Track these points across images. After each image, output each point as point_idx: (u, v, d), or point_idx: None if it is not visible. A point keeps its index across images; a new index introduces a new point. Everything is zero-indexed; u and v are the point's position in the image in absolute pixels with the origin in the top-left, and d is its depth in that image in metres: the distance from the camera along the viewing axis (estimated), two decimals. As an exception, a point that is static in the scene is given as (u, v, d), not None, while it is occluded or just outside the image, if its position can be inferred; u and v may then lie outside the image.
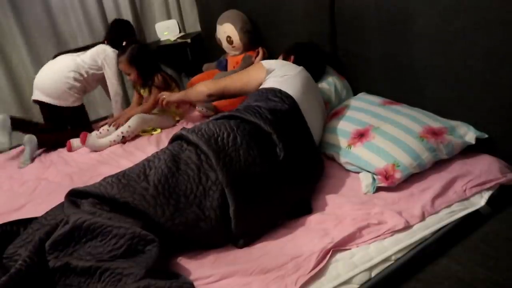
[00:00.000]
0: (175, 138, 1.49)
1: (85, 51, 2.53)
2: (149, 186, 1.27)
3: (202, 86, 1.87)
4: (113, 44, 2.55)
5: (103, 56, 2.47)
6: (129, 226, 1.17)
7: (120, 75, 2.62)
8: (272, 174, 1.36)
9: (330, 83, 1.98)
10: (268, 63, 1.78)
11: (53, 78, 2.40)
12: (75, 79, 2.42)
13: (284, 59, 1.96)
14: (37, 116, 2.88)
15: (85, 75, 2.46)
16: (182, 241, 1.28)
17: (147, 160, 1.40)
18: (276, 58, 1.98)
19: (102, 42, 2.58)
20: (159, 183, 1.28)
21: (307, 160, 1.52)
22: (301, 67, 1.77)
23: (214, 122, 1.46)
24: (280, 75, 1.71)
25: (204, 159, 1.33)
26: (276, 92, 1.61)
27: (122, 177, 1.32)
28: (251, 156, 1.34)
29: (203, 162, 1.32)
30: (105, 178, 1.35)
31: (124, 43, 2.53)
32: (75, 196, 1.33)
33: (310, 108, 1.66)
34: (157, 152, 1.43)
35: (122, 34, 2.59)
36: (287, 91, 1.61)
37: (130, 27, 2.70)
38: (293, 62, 1.88)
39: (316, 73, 1.94)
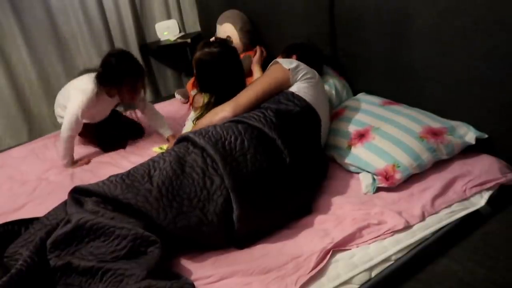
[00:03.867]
0: (181, 140, 1.48)
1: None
2: (152, 188, 1.27)
3: (222, 112, 1.57)
4: None
5: None
6: (131, 227, 1.17)
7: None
8: (278, 179, 1.35)
9: (331, 85, 1.98)
10: (289, 62, 1.64)
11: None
12: None
13: (285, 58, 1.91)
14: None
15: None
16: (184, 243, 1.28)
17: (152, 160, 1.39)
18: (275, 58, 1.97)
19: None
20: (163, 185, 1.27)
21: (313, 164, 1.50)
22: (316, 72, 1.70)
23: (221, 125, 1.45)
24: (305, 79, 1.62)
25: (209, 163, 1.32)
26: (288, 95, 1.56)
27: (126, 177, 1.31)
28: (258, 161, 1.33)
29: (209, 166, 1.31)
30: (109, 177, 1.35)
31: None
32: (78, 193, 1.33)
33: (324, 114, 1.64)
34: (162, 153, 1.42)
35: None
36: (307, 97, 1.56)
37: None
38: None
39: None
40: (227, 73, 1.73)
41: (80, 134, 2.18)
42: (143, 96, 2.18)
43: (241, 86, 1.76)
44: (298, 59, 1.86)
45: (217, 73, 1.72)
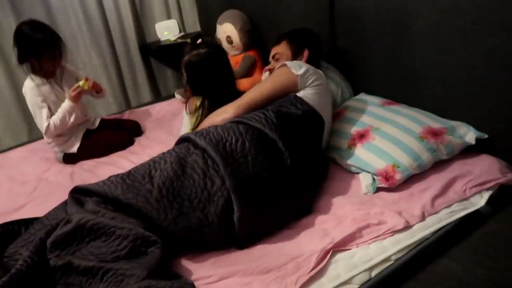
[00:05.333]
0: (182, 140, 1.48)
1: None
2: (153, 189, 1.27)
3: (224, 114, 1.57)
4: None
5: None
6: (132, 227, 1.17)
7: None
8: (279, 180, 1.35)
9: (338, 85, 1.96)
10: (299, 66, 1.60)
11: None
12: None
13: (295, 53, 1.84)
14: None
15: None
16: (184, 243, 1.28)
17: (153, 160, 1.39)
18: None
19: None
20: (164, 186, 1.27)
21: (313, 166, 1.50)
22: (324, 75, 1.68)
23: (222, 126, 1.45)
24: (314, 85, 1.59)
25: (210, 164, 1.32)
26: (292, 99, 1.56)
27: (127, 177, 1.31)
28: (259, 162, 1.33)
29: (209, 167, 1.31)
30: (110, 177, 1.35)
31: None
32: (79, 193, 1.33)
33: (327, 117, 1.64)
34: (163, 153, 1.42)
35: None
36: (313, 102, 1.55)
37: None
38: (308, 57, 1.79)
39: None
40: (217, 72, 1.72)
41: (86, 150, 2.15)
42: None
43: (231, 85, 1.78)
44: (309, 56, 1.82)
45: (207, 73, 1.71)
